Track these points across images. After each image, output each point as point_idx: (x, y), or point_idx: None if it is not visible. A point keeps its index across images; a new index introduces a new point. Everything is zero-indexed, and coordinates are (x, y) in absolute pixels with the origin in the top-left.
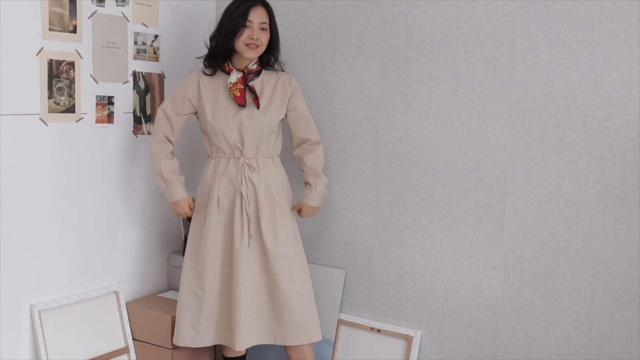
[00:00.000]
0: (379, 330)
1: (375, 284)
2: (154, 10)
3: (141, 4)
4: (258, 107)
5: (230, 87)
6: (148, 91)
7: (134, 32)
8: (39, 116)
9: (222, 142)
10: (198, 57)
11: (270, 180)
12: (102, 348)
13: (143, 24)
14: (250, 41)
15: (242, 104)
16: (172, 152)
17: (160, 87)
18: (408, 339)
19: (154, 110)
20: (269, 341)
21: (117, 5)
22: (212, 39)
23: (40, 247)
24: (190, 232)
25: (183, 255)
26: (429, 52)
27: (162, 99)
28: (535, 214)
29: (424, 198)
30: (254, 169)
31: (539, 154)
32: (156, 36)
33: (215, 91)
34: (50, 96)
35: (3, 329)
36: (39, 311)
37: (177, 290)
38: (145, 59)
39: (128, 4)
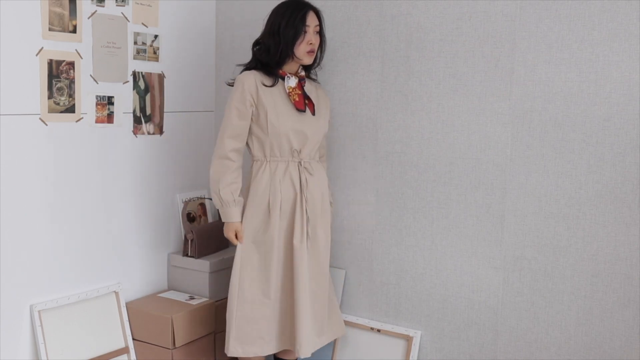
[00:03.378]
0: (379, 330)
1: (375, 284)
2: (154, 10)
3: (141, 4)
4: (314, 114)
5: (290, 92)
6: (148, 91)
7: (134, 32)
8: (39, 116)
9: (285, 145)
10: (239, 65)
11: (322, 183)
12: (102, 348)
13: (143, 24)
14: (310, 47)
15: (302, 109)
16: (237, 169)
17: (160, 87)
18: (408, 339)
19: (153, 110)
20: (323, 343)
21: (117, 5)
22: (264, 46)
23: (40, 247)
24: (245, 243)
25: (183, 255)
26: (429, 52)
27: (162, 99)
28: (535, 214)
29: (424, 198)
30: (311, 173)
31: (539, 154)
32: (156, 36)
33: (272, 94)
34: (50, 96)
35: (3, 329)
36: (39, 311)
37: (177, 290)
38: (145, 59)
39: (128, 4)
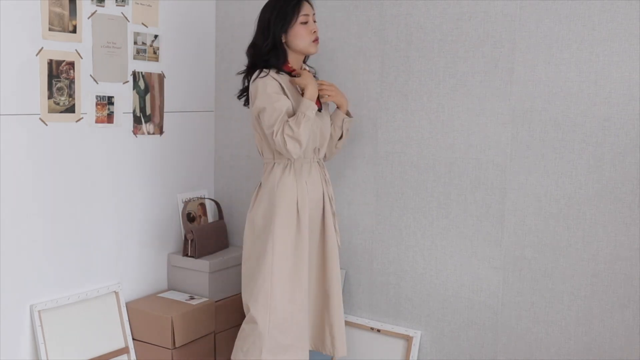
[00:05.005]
0: (379, 330)
1: (375, 284)
2: (154, 10)
3: (141, 4)
4: (320, 110)
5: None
6: (148, 91)
7: (134, 32)
8: (39, 116)
9: (309, 145)
10: (239, 73)
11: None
12: (102, 348)
13: (143, 24)
14: (315, 35)
15: (319, 108)
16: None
17: (160, 87)
18: (408, 339)
19: (153, 110)
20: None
21: (117, 5)
22: (258, 45)
23: (40, 247)
24: (277, 248)
25: (183, 255)
26: (429, 52)
27: (162, 99)
28: (535, 214)
29: (424, 198)
30: (326, 171)
31: (539, 154)
32: (156, 36)
33: (290, 93)
34: (50, 96)
35: (3, 329)
36: (39, 311)
37: (177, 290)
38: (145, 59)
39: (128, 4)
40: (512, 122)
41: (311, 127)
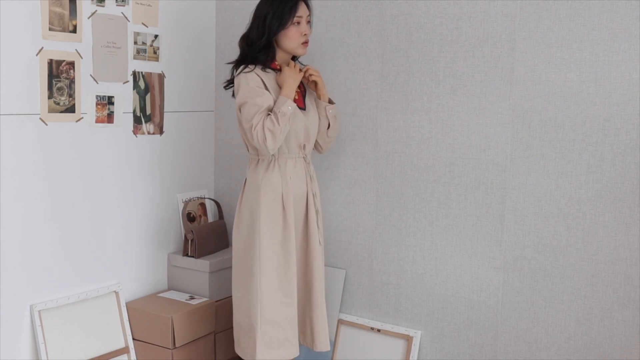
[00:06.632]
0: (379, 330)
1: (375, 284)
2: (154, 10)
3: (141, 4)
4: (304, 107)
5: None
6: (148, 91)
7: (134, 32)
8: (39, 116)
9: (292, 141)
10: (229, 62)
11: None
12: (102, 348)
13: (143, 24)
14: (305, 38)
15: (303, 107)
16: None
17: (160, 87)
18: (408, 339)
19: (153, 110)
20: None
21: (117, 5)
22: (252, 39)
23: (40, 247)
24: (264, 243)
25: (183, 255)
26: (429, 52)
27: (162, 98)
28: (535, 214)
29: (424, 198)
30: (312, 168)
31: (539, 154)
32: (156, 36)
33: (274, 90)
34: (50, 96)
35: (3, 329)
36: (39, 311)
37: (177, 290)
38: (145, 59)
39: (128, 4)
40: (512, 122)
41: (288, 123)
